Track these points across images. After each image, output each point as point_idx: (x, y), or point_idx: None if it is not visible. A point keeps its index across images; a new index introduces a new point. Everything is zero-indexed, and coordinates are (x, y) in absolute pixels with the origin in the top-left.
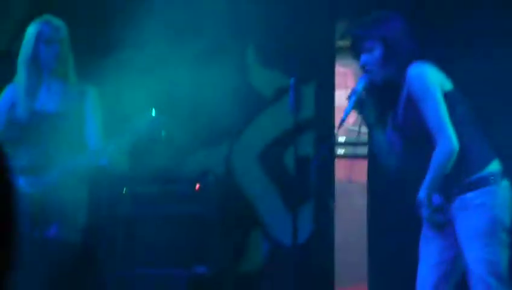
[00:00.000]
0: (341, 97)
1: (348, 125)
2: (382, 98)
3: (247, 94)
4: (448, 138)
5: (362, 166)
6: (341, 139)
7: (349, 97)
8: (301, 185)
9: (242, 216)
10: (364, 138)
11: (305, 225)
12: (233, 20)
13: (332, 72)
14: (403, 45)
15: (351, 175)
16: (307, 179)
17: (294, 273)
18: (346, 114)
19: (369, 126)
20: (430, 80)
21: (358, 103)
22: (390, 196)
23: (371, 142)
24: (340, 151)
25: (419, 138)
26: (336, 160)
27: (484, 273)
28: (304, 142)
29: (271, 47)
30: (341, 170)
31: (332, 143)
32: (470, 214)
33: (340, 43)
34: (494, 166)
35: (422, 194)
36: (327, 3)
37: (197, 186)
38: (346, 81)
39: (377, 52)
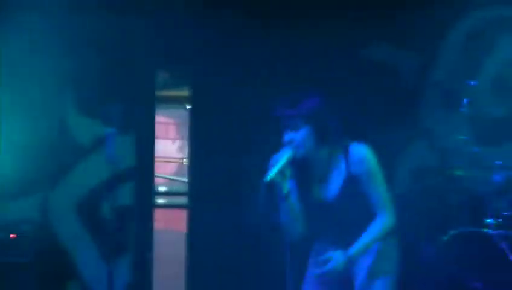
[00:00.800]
0: (162, 147)
1: (169, 174)
2: (301, 171)
3: (66, 142)
4: (392, 214)
5: (181, 216)
6: (162, 188)
7: (271, 163)
8: (119, 235)
9: (59, 266)
10: (185, 187)
11: (122, 277)
12: (52, 67)
13: (152, 122)
14: (327, 123)
15: (170, 225)
16: (126, 230)
17: None
18: (267, 179)
19: (284, 196)
20: (375, 161)
21: (279, 174)
22: (208, 245)
23: (270, 207)
24: (161, 201)
25: (346, 210)
26: (155, 210)
27: None
28: (123, 192)
29: (90, 96)
30: (160, 219)
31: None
32: None
33: (162, 92)
34: None
35: (343, 256)
36: (147, 53)
37: (12, 235)
38: (167, 131)
39: (303, 131)
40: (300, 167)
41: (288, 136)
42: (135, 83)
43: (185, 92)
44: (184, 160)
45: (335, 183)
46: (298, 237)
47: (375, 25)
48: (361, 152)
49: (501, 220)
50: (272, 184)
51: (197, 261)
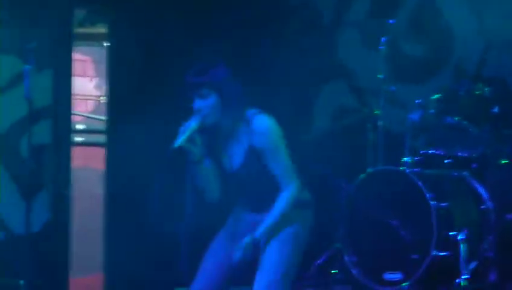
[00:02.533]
0: (79, 84)
1: (87, 112)
2: (210, 139)
3: None
4: (297, 186)
5: (99, 153)
6: (79, 126)
7: (180, 131)
8: (37, 174)
9: None
10: (103, 125)
11: (41, 214)
12: None
13: (69, 60)
14: (234, 92)
15: (88, 162)
16: (43, 167)
17: (29, 262)
18: (175, 146)
19: (194, 162)
20: (277, 134)
21: (189, 140)
22: (127, 184)
23: (193, 175)
24: (78, 138)
25: (252, 180)
26: (73, 147)
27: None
28: (40, 130)
29: (7, 33)
30: (78, 157)
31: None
32: None
33: (79, 30)
34: None
35: (257, 235)
36: None
37: None
38: (84, 68)
39: (211, 99)
40: (210, 136)
41: (197, 104)
42: (52, 20)
43: (102, 29)
44: (102, 98)
45: (237, 155)
46: (216, 200)
47: None
48: (264, 124)
49: (417, 158)
50: (183, 151)
51: (114, 198)
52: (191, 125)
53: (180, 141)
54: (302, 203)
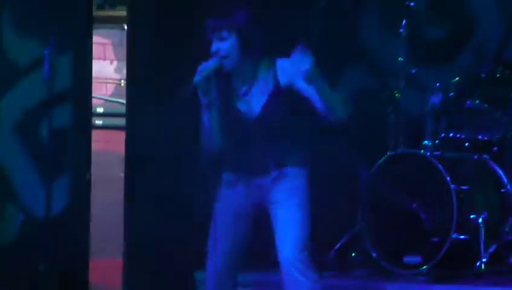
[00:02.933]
0: (99, 68)
1: (107, 96)
2: (225, 84)
3: (2, 64)
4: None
5: (119, 137)
6: (99, 110)
7: (198, 70)
8: (57, 157)
9: None
10: (123, 108)
11: (61, 197)
12: None
13: (89, 43)
14: (255, 38)
15: (108, 146)
16: (63, 151)
17: (49, 245)
18: (195, 83)
19: (205, 105)
20: (308, 62)
21: (204, 79)
22: (147, 167)
23: (204, 122)
24: (98, 122)
25: (273, 126)
26: (93, 131)
27: None
28: (60, 113)
29: (26, 16)
30: (98, 140)
31: None
32: None
33: (99, 13)
34: None
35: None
36: None
37: None
38: (104, 52)
39: (231, 41)
40: (224, 79)
41: (215, 46)
42: (72, 3)
43: (122, 12)
44: (122, 81)
45: (260, 98)
46: (216, 149)
47: None
48: (286, 60)
49: (438, 141)
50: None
51: (136, 182)
52: (209, 64)
53: (198, 78)
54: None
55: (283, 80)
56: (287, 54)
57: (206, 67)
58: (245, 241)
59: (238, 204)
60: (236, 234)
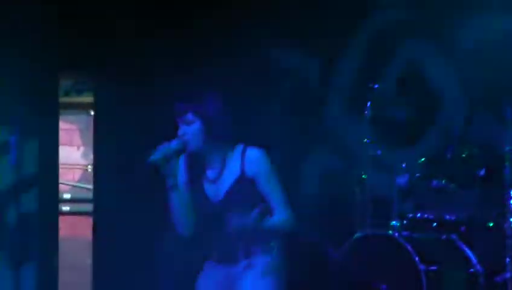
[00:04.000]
0: (66, 153)
1: (74, 182)
2: (194, 166)
3: None
4: (289, 214)
5: (87, 222)
6: (66, 195)
7: (157, 149)
8: (24, 243)
9: None
10: (90, 194)
11: (28, 284)
12: None
13: (56, 128)
14: (220, 121)
15: (75, 232)
16: (31, 237)
17: None
18: (151, 160)
19: (170, 186)
20: (269, 164)
21: (165, 160)
22: (115, 252)
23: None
24: (65, 208)
25: (238, 211)
26: (60, 216)
27: None
28: (27, 199)
29: None
30: (65, 226)
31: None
32: None
33: (65, 99)
34: None
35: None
36: (53, 59)
37: None
38: (71, 137)
39: (195, 125)
40: (193, 163)
41: (181, 129)
42: (39, 90)
43: (88, 98)
44: (89, 166)
45: (226, 182)
46: (189, 232)
47: (279, 26)
48: (257, 154)
49: (406, 222)
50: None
51: (103, 269)
52: (171, 146)
53: (153, 158)
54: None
55: (249, 172)
56: (256, 143)
57: (165, 147)
58: None
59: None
60: None
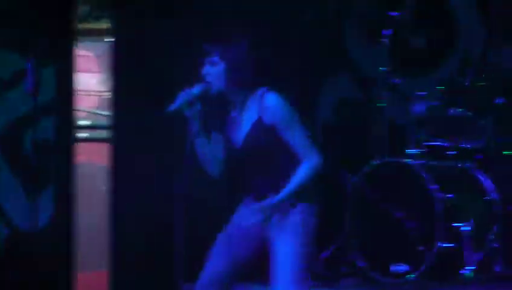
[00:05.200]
0: (83, 80)
1: (90, 108)
2: (218, 110)
3: None
4: (318, 154)
5: (103, 149)
6: (83, 122)
7: (179, 95)
8: (41, 170)
9: None
10: (107, 121)
11: (45, 210)
12: None
13: (72, 55)
14: (245, 69)
15: (92, 158)
16: (47, 164)
17: (34, 259)
18: (172, 109)
19: (195, 132)
20: (290, 111)
21: (188, 104)
22: (132, 180)
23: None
24: (83, 134)
25: (259, 156)
26: (77, 143)
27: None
28: (43, 126)
29: (7, 28)
30: (82, 152)
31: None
32: None
33: (81, 25)
34: None
35: (273, 201)
36: None
37: None
38: (88, 64)
39: (220, 67)
40: (215, 105)
41: (204, 69)
42: (55, 16)
43: (105, 25)
44: (106, 93)
45: (245, 128)
46: (217, 176)
47: None
48: (275, 101)
49: (422, 150)
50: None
51: (120, 194)
52: (192, 91)
53: (176, 105)
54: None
55: (266, 118)
56: (278, 89)
57: (187, 93)
58: (245, 262)
59: (243, 225)
60: (236, 254)
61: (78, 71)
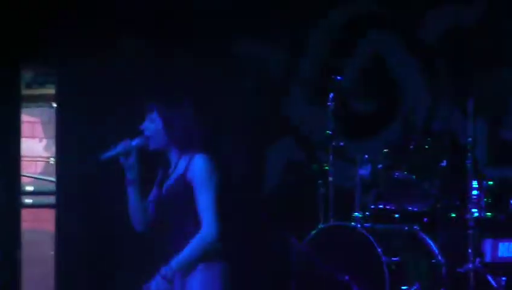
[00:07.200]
0: (29, 146)
1: (36, 174)
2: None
3: None
4: (213, 229)
5: (49, 215)
6: (29, 188)
7: (118, 144)
8: None
9: None
10: (52, 186)
11: None
12: None
13: (18, 121)
14: (182, 126)
15: (37, 224)
16: None
17: None
18: (108, 156)
19: (128, 182)
20: (212, 175)
21: (125, 154)
22: (78, 245)
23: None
24: (28, 200)
25: (174, 213)
26: (23, 209)
27: None
28: None
29: None
30: (28, 219)
31: None
32: None
33: (27, 91)
34: None
35: (167, 269)
36: (15, 50)
37: None
38: (33, 130)
39: (159, 124)
40: (151, 161)
41: (144, 124)
42: (0, 82)
43: (50, 90)
44: (51, 159)
45: (170, 181)
46: (143, 228)
47: (243, 17)
48: (202, 160)
49: (368, 213)
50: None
51: (66, 261)
52: (131, 142)
53: (112, 152)
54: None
55: (189, 175)
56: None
57: (126, 143)
58: None
59: None
60: None
61: (24, 137)
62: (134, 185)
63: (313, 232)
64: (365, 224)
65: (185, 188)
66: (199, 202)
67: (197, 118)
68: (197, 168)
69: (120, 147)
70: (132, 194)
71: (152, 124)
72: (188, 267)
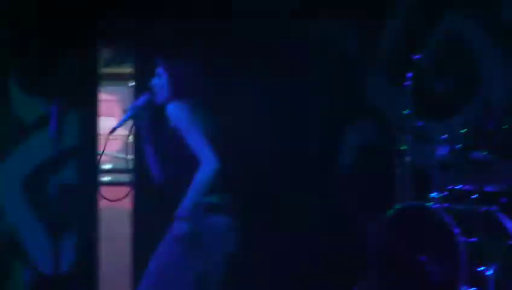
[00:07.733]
0: (106, 124)
1: (114, 152)
2: (155, 118)
3: (9, 121)
4: (211, 160)
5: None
6: (107, 166)
7: (127, 109)
8: (64, 214)
9: (4, 246)
10: (130, 165)
11: (68, 254)
12: None
13: (96, 100)
14: (186, 81)
15: (115, 202)
16: (71, 207)
17: None
18: (120, 124)
19: (142, 138)
20: (188, 117)
21: (136, 115)
22: (155, 223)
23: (143, 157)
24: (105, 178)
25: (177, 158)
26: (101, 187)
27: None
28: (67, 170)
29: (34, 74)
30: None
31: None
32: None
33: (105, 70)
34: None
35: (181, 210)
36: (92, 30)
37: None
38: (111, 108)
39: (164, 79)
40: (160, 115)
41: (153, 80)
42: (79, 61)
43: (128, 69)
44: (129, 137)
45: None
46: (160, 181)
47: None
48: (172, 108)
49: (446, 194)
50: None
51: (143, 238)
52: (137, 103)
53: (123, 119)
54: (213, 207)
55: (171, 123)
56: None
57: (133, 105)
58: None
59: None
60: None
61: (102, 115)
62: (149, 142)
63: (390, 212)
64: (442, 204)
65: (172, 136)
66: (191, 145)
67: (200, 70)
68: (172, 117)
69: (129, 112)
70: (148, 150)
71: (159, 80)
72: (198, 203)
